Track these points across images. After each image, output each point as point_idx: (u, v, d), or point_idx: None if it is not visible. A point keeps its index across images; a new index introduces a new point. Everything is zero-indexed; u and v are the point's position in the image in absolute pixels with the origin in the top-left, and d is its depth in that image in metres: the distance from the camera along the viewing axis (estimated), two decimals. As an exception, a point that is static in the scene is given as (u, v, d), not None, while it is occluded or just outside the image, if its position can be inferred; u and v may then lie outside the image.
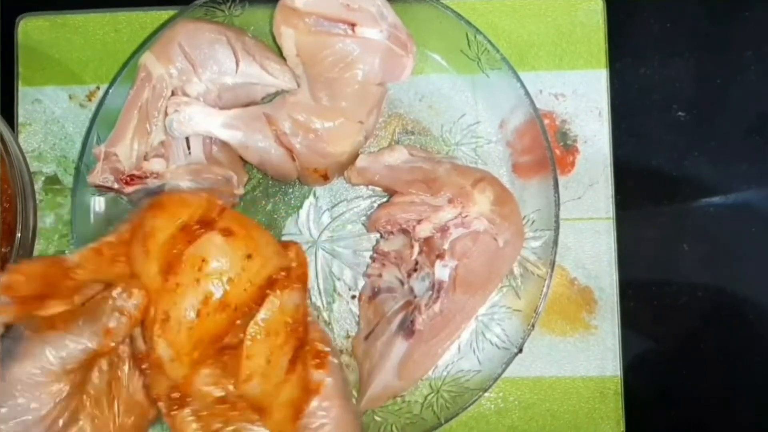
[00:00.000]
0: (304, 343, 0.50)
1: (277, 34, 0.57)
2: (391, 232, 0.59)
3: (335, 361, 0.51)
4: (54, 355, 0.45)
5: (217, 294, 0.47)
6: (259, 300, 0.48)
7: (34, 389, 0.45)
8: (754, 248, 0.63)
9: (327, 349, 0.51)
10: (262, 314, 0.47)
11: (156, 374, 0.48)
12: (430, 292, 0.57)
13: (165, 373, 0.48)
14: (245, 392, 0.48)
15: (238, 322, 0.48)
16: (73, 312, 0.47)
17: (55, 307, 0.47)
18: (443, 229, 0.57)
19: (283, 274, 0.49)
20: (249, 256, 0.48)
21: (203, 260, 0.47)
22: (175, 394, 0.48)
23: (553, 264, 0.58)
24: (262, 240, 0.49)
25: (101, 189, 0.58)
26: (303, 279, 0.51)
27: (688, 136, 0.63)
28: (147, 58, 0.57)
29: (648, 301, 0.62)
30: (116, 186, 0.57)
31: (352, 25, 0.56)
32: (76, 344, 0.46)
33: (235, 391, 0.48)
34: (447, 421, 0.58)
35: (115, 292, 0.47)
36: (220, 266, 0.47)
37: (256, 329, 0.47)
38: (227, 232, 0.48)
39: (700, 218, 0.63)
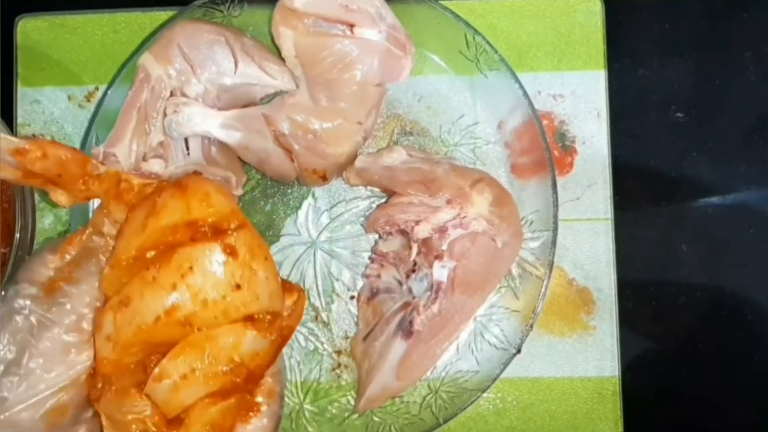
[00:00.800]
0: (240, 389, 0.47)
1: (275, 34, 0.57)
2: (390, 233, 0.59)
3: (272, 409, 0.50)
4: (79, 306, 0.47)
5: (184, 310, 0.44)
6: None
7: (61, 355, 0.47)
8: (752, 249, 0.63)
9: (261, 400, 0.50)
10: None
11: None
12: (429, 293, 0.57)
13: (93, 346, 0.47)
14: (150, 390, 0.46)
15: None
16: (71, 267, 0.48)
17: (55, 195, 0.48)
18: (442, 230, 0.57)
19: (268, 317, 0.46)
20: (238, 287, 0.45)
21: (190, 268, 0.44)
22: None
23: (551, 265, 0.58)
24: (261, 275, 0.46)
25: (100, 189, 0.58)
26: (286, 333, 0.48)
27: (687, 137, 0.63)
28: (146, 59, 0.57)
29: (646, 302, 0.62)
30: (115, 186, 0.57)
31: (351, 26, 0.56)
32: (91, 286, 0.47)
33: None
34: (445, 421, 0.58)
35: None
36: (203, 283, 0.44)
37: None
38: (230, 251, 0.45)
39: (698, 219, 0.63)
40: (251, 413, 0.49)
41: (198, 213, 0.47)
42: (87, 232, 0.51)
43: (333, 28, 0.56)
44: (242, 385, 0.48)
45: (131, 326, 0.45)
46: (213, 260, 0.45)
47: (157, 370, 0.45)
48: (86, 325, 0.49)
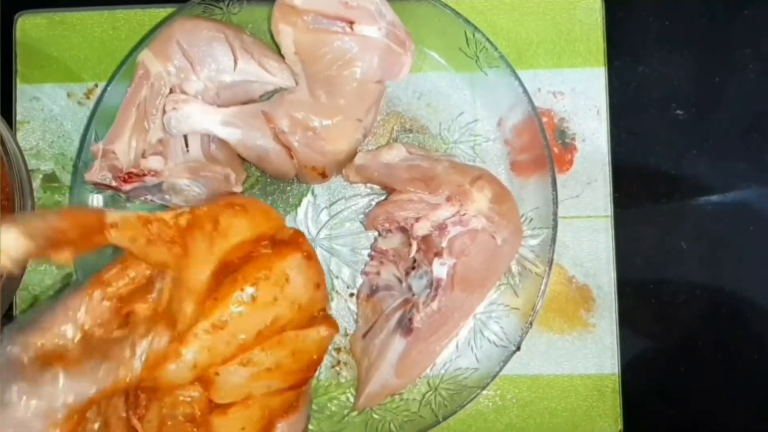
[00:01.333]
0: (304, 384, 0.50)
1: (275, 31, 0.57)
2: (389, 230, 0.59)
3: (306, 408, 0.52)
4: (63, 397, 0.44)
5: (284, 319, 0.46)
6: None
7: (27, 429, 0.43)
8: (752, 246, 0.63)
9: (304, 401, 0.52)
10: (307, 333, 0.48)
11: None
12: (428, 290, 0.57)
13: (166, 373, 0.47)
14: (225, 372, 0.47)
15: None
16: (85, 351, 0.46)
17: (68, 255, 0.46)
18: (441, 227, 0.57)
19: (322, 313, 0.50)
20: (317, 286, 0.48)
21: (287, 279, 0.46)
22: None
23: (551, 262, 0.58)
24: (323, 271, 0.50)
25: (99, 187, 0.58)
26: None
27: (687, 135, 0.63)
28: (145, 56, 0.57)
29: (646, 300, 0.62)
30: (114, 184, 0.57)
31: (351, 23, 0.56)
32: (88, 384, 0.44)
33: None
34: (445, 419, 0.58)
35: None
36: (297, 291, 0.47)
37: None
38: (308, 256, 0.47)
39: (698, 216, 0.63)
40: (291, 409, 0.51)
41: (264, 227, 0.49)
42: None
43: (333, 25, 0.56)
44: (305, 381, 0.50)
45: (231, 345, 0.46)
46: (301, 268, 0.48)
47: (246, 356, 0.46)
48: (60, 416, 0.45)
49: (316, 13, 0.56)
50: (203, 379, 0.47)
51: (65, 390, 0.44)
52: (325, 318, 0.50)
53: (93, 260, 0.58)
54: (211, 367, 0.47)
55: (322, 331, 0.49)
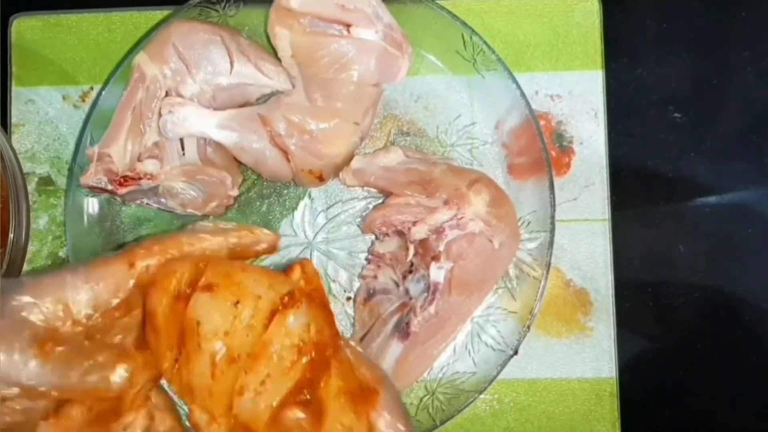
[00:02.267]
0: (326, 363, 0.47)
1: (271, 34, 0.57)
2: (387, 234, 0.59)
3: (384, 373, 0.47)
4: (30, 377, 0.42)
5: (221, 352, 0.44)
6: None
7: None
8: (750, 249, 0.63)
9: (376, 371, 0.47)
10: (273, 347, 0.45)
11: None
12: (426, 294, 0.57)
13: None
14: (237, 407, 0.45)
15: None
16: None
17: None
18: (438, 231, 0.56)
19: (285, 299, 0.46)
20: (237, 303, 0.45)
21: (197, 323, 0.45)
22: None
23: (548, 265, 0.58)
24: (248, 280, 0.46)
25: (95, 190, 0.57)
26: (314, 295, 0.48)
27: (685, 137, 0.63)
28: (141, 59, 0.57)
29: (644, 303, 0.62)
30: (110, 187, 0.56)
31: (348, 26, 0.56)
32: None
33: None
34: (442, 423, 0.58)
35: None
36: (213, 324, 0.45)
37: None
38: (209, 288, 0.45)
39: (696, 219, 0.63)
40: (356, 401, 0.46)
41: (173, 284, 0.47)
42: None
43: (329, 28, 0.56)
44: (314, 370, 0.46)
45: (209, 397, 0.45)
46: (203, 304, 0.45)
47: (237, 385, 0.45)
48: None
49: (312, 15, 0.56)
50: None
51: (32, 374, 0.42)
52: (282, 308, 0.46)
53: (86, 248, 0.59)
54: (220, 419, 0.45)
55: (278, 324, 0.46)
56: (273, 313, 0.45)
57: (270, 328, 0.45)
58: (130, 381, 0.45)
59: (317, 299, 0.48)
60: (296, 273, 0.48)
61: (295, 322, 0.46)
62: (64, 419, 0.44)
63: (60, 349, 0.43)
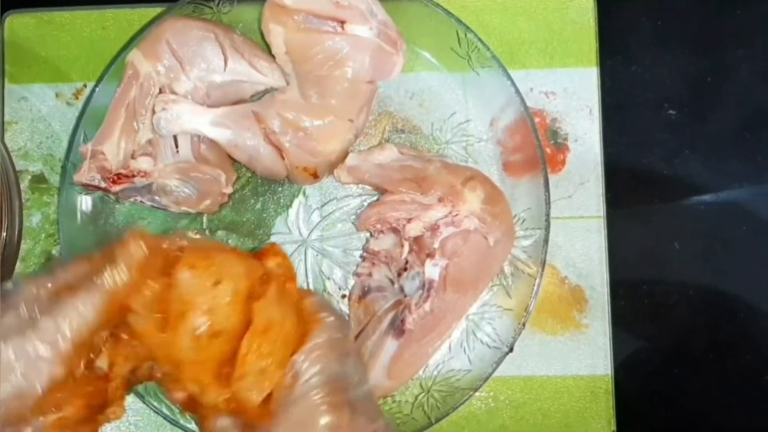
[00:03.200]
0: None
1: (265, 31, 0.57)
2: (381, 231, 0.59)
3: (329, 319, 0.48)
4: (63, 328, 0.43)
5: (202, 327, 0.46)
6: (248, 317, 0.47)
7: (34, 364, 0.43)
8: (745, 246, 0.63)
9: (318, 315, 0.49)
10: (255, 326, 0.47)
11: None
12: (421, 291, 0.56)
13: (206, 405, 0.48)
14: (239, 389, 0.47)
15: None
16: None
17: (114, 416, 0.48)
18: (433, 228, 0.56)
19: (261, 281, 0.48)
20: (217, 282, 0.47)
21: (179, 301, 0.46)
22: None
23: (543, 263, 0.58)
24: (227, 262, 0.48)
25: (88, 188, 0.57)
26: (287, 274, 0.50)
27: (679, 135, 0.63)
28: (134, 56, 0.56)
29: (639, 300, 0.62)
30: (103, 185, 0.56)
31: (342, 23, 0.56)
32: (85, 309, 0.44)
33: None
34: (437, 420, 0.58)
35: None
36: (196, 301, 0.46)
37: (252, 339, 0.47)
38: (191, 266, 0.47)
39: (691, 216, 0.63)
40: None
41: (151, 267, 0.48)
42: None
43: (324, 25, 0.56)
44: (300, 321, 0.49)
45: (195, 370, 0.47)
46: (186, 281, 0.47)
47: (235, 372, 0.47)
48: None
49: (306, 12, 0.56)
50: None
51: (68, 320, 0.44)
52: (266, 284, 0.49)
53: (80, 246, 0.59)
54: (210, 388, 0.47)
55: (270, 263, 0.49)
56: (251, 295, 0.47)
57: (248, 310, 0.47)
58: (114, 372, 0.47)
59: (288, 277, 0.50)
60: (269, 257, 0.50)
61: (274, 300, 0.48)
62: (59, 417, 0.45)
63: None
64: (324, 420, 0.44)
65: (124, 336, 0.48)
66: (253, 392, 0.47)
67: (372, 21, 0.56)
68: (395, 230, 0.58)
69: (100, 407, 0.47)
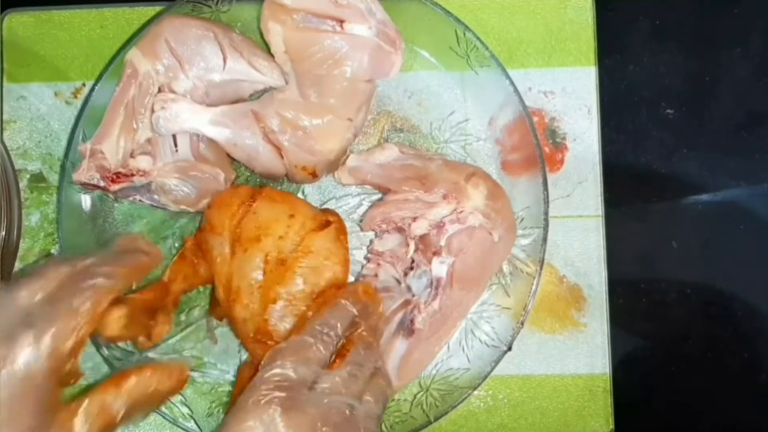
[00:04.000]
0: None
1: (264, 30, 0.57)
2: (387, 231, 0.59)
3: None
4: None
5: (273, 252, 0.53)
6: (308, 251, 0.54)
7: None
8: (742, 245, 0.63)
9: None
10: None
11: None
12: (429, 290, 0.56)
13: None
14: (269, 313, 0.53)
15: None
16: None
17: (162, 326, 0.53)
18: (439, 226, 0.56)
19: (326, 224, 0.55)
20: (291, 216, 0.54)
21: (257, 226, 0.54)
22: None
23: (542, 262, 0.58)
24: (300, 203, 0.56)
25: (87, 187, 0.57)
26: (342, 229, 0.56)
27: (677, 133, 0.63)
28: (133, 55, 0.56)
29: (637, 299, 0.62)
30: (102, 184, 0.56)
31: (341, 22, 0.56)
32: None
33: None
34: (436, 419, 0.58)
35: None
36: (270, 227, 0.54)
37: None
38: (270, 199, 0.55)
39: (689, 215, 0.63)
40: None
41: (237, 201, 0.56)
42: None
43: (323, 24, 0.56)
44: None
45: (254, 294, 0.54)
46: (266, 208, 0.55)
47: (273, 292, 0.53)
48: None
49: (305, 11, 0.56)
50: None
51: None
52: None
53: (79, 245, 0.59)
54: (255, 318, 0.54)
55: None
56: (314, 230, 0.55)
57: (310, 245, 0.54)
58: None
59: (343, 232, 0.57)
60: (329, 215, 0.57)
61: (327, 240, 0.55)
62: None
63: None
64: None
65: (193, 258, 0.57)
66: (285, 322, 0.53)
67: (371, 20, 0.56)
68: (400, 229, 0.58)
69: (153, 312, 0.53)
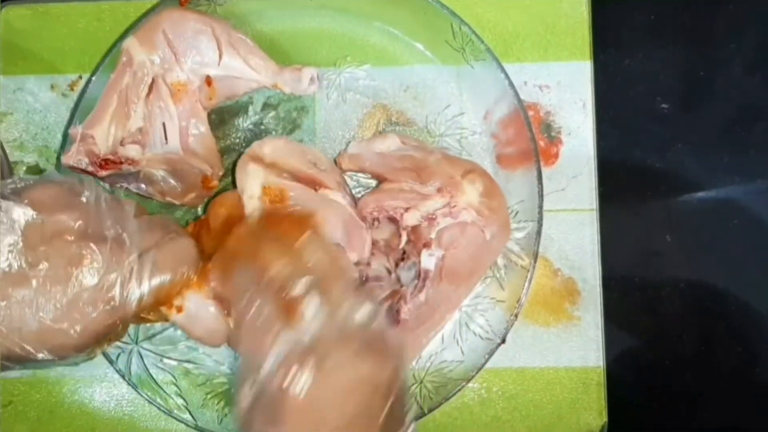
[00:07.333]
0: None
1: (242, 173, 0.57)
2: (378, 219, 0.59)
3: None
4: None
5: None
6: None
7: None
8: (736, 239, 0.63)
9: None
10: None
11: None
12: (416, 281, 0.57)
13: None
14: None
15: None
16: None
17: None
18: (431, 218, 0.57)
19: None
20: None
21: None
22: None
23: (536, 255, 0.58)
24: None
25: (75, 171, 0.56)
26: None
27: (672, 128, 0.63)
28: (130, 43, 0.57)
29: (631, 293, 0.63)
30: (90, 169, 0.56)
31: (316, 187, 0.57)
32: None
33: None
34: (430, 411, 0.58)
35: None
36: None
37: None
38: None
39: (683, 210, 0.63)
40: None
41: None
42: None
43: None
44: None
45: None
46: None
47: None
48: None
49: (282, 169, 0.57)
50: None
51: None
52: None
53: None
54: None
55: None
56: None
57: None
58: None
59: None
60: None
61: None
62: None
63: None
64: None
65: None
66: None
67: (345, 190, 0.57)
68: (393, 219, 0.58)
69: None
